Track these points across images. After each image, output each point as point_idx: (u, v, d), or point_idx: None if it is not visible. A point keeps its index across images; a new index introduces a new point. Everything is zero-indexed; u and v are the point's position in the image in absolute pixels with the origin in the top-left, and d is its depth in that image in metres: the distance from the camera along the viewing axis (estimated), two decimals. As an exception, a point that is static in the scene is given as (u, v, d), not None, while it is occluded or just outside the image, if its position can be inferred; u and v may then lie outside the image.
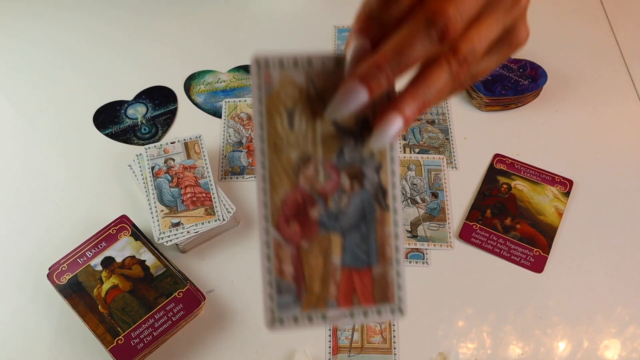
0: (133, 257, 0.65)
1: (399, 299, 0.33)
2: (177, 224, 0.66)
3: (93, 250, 0.65)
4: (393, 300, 0.33)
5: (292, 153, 0.32)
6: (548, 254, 0.69)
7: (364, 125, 0.32)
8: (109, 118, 0.81)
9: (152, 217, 0.67)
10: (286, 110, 0.32)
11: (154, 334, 0.60)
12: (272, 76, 0.31)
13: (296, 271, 0.32)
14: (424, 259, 0.69)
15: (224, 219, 0.67)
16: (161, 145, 0.72)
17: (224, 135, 0.79)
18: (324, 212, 0.32)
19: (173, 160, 0.71)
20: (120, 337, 0.60)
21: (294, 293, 0.32)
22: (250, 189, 0.74)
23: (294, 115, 0.32)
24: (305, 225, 0.32)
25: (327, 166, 0.32)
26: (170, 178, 0.70)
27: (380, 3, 0.28)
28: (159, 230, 0.66)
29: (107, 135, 0.80)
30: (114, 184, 0.75)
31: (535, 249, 0.69)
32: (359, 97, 0.28)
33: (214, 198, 0.68)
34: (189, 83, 0.85)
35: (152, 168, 0.70)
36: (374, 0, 0.28)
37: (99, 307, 0.61)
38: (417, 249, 0.69)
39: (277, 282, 0.31)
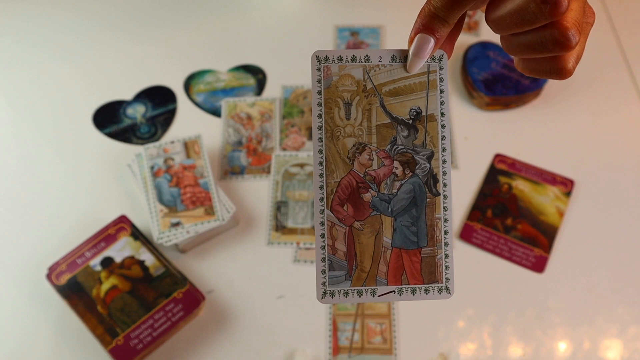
0: (132, 257, 0.65)
1: (446, 279, 0.35)
2: (177, 224, 0.66)
3: (92, 251, 0.65)
4: (441, 280, 0.35)
5: (348, 141, 0.34)
6: (549, 254, 0.68)
7: (417, 117, 0.34)
8: (108, 118, 0.81)
9: (152, 217, 0.67)
10: (343, 101, 0.34)
11: (154, 334, 0.60)
12: (331, 70, 0.34)
13: (348, 249, 0.34)
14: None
15: (223, 219, 0.67)
16: (160, 144, 0.71)
17: (223, 134, 0.79)
18: (376, 196, 0.35)
19: (172, 159, 0.71)
20: (119, 337, 0.59)
21: (346, 269, 0.34)
22: (250, 188, 0.74)
23: (351, 106, 0.34)
24: (358, 208, 0.34)
25: (381, 154, 0.34)
26: (169, 178, 0.69)
27: (445, 4, 0.30)
28: (158, 230, 0.66)
29: (106, 134, 0.79)
30: (113, 183, 0.74)
31: (537, 249, 0.69)
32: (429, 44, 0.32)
33: (214, 198, 0.68)
34: (189, 82, 0.85)
35: (152, 168, 0.70)
36: (439, 1, 0.31)
37: (98, 307, 0.61)
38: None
39: (329, 259, 0.34)
